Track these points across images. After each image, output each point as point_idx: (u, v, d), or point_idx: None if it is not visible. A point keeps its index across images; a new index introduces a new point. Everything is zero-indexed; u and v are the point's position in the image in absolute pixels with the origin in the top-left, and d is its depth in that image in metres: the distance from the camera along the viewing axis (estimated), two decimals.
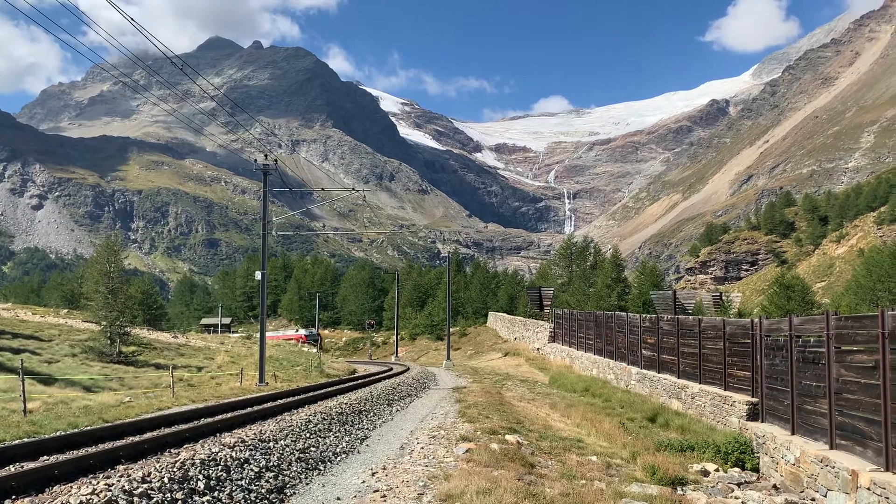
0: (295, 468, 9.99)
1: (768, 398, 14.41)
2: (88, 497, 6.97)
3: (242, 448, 10.07)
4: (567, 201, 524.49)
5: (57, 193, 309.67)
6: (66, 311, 51.05)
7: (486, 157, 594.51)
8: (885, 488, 9.05)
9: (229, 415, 14.53)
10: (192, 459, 8.86)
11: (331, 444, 12.06)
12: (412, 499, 8.28)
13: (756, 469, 13.53)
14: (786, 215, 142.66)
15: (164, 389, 20.86)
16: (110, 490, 7.20)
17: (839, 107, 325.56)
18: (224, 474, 8.73)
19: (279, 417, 14.49)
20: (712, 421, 17.22)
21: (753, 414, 15.11)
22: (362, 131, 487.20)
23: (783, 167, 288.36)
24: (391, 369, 37.23)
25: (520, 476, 9.37)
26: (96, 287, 30.39)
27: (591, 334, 33.17)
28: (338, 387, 22.64)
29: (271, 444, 10.80)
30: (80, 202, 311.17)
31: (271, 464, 9.76)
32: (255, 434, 11.43)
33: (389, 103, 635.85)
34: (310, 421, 13.53)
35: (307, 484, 9.49)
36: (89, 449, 10.10)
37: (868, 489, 9.39)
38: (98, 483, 7.54)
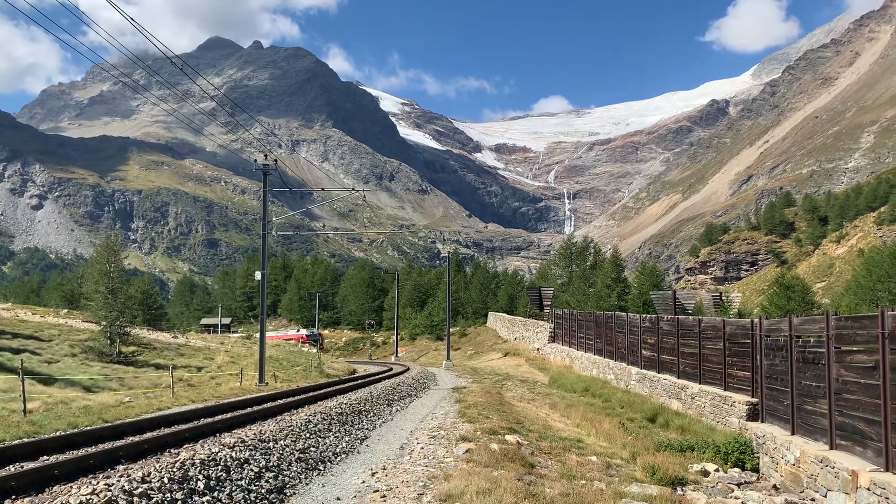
0: (295, 468, 9.99)
1: (768, 398, 14.41)
2: (88, 497, 6.98)
3: (242, 448, 10.07)
4: (567, 201, 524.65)
5: (57, 193, 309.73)
6: (66, 311, 50.99)
7: (486, 158, 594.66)
8: (884, 488, 9.04)
9: (229, 415, 14.52)
10: (192, 459, 8.86)
11: (331, 445, 12.06)
12: (412, 499, 8.28)
13: (756, 469, 13.52)
14: (786, 215, 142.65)
15: (163, 389, 20.86)
16: (110, 490, 7.20)
17: (839, 107, 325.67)
18: (224, 474, 8.73)
19: (279, 417, 14.48)
20: (712, 421, 17.22)
21: (753, 414, 15.11)
22: (362, 131, 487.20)
23: (783, 167, 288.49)
24: (391, 369, 37.23)
25: (520, 476, 9.37)
26: (96, 287, 30.38)
27: (591, 334, 33.16)
28: (338, 387, 22.63)
29: (271, 444, 10.79)
30: (80, 202, 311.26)
31: (271, 464, 9.76)
32: (254, 434, 11.43)
33: (389, 103, 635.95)
34: (310, 421, 13.52)
35: (307, 484, 9.49)
36: (89, 449, 10.10)
37: (868, 489, 9.39)
38: (98, 483, 7.54)
